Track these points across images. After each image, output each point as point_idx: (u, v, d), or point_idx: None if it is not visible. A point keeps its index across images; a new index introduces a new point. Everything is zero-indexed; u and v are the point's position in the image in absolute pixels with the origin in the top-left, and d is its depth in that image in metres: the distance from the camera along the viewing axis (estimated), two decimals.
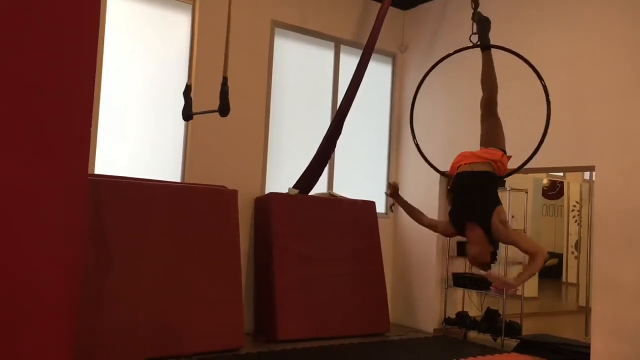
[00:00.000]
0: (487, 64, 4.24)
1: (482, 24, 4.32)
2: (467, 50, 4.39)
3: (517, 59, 4.15)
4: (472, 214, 3.77)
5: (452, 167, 4.11)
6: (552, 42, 6.26)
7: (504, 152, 4.07)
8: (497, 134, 4.11)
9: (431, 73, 4.48)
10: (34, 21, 2.84)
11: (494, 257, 3.77)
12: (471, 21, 4.45)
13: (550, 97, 6.26)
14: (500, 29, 6.48)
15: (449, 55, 4.40)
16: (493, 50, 4.31)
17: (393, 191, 4.29)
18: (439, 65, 4.52)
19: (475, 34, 4.37)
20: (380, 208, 7.73)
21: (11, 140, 2.75)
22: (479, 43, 4.32)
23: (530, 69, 4.02)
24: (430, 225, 4.22)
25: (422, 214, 4.25)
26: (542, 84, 4.00)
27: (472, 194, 3.86)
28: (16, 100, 2.77)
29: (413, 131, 4.53)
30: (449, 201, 4.10)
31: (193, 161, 6.27)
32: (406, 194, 7.75)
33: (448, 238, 7.14)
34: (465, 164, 3.98)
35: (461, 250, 7.23)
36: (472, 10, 4.43)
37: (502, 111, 4.27)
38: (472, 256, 3.78)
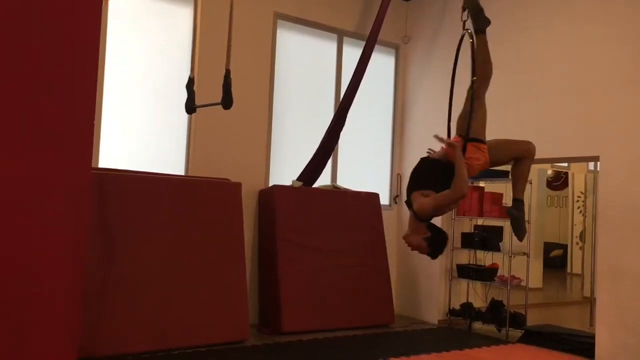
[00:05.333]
0: (478, 46, 4.00)
1: (474, 9, 4.19)
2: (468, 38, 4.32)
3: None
4: (406, 200, 3.76)
5: None
6: (557, 33, 6.23)
7: (476, 139, 3.85)
8: (464, 119, 3.91)
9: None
10: (36, 15, 2.83)
11: (432, 244, 3.63)
12: (462, 6, 4.34)
13: (555, 87, 6.26)
14: (505, 21, 6.47)
15: (461, 40, 4.29)
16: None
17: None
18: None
19: (465, 21, 4.25)
20: (384, 200, 7.73)
21: (15, 134, 2.75)
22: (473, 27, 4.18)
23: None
24: None
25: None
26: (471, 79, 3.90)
27: (411, 182, 3.81)
28: (19, 94, 2.77)
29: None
30: None
31: (196, 154, 6.28)
32: None
33: (452, 229, 7.22)
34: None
35: (465, 241, 7.24)
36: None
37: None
38: (404, 237, 3.72)
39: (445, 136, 4.13)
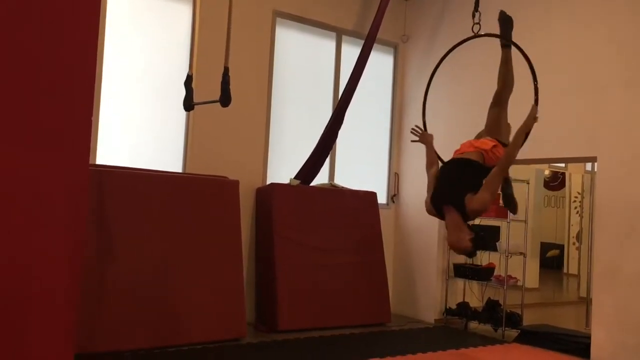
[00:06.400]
0: (504, 59, 4.29)
1: (507, 23, 4.35)
2: (473, 40, 4.38)
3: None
4: (447, 199, 3.83)
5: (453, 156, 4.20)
6: (556, 34, 6.23)
7: (502, 143, 4.10)
8: (499, 126, 4.16)
9: (435, 60, 4.53)
10: (34, 12, 2.83)
11: (476, 244, 3.77)
12: (473, 12, 4.45)
13: (553, 88, 6.28)
14: None
15: (463, 42, 4.39)
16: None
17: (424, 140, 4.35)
18: (443, 52, 4.55)
19: (477, 24, 4.38)
20: (382, 198, 7.73)
21: (12, 131, 2.75)
22: (502, 40, 4.36)
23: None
24: (428, 185, 4.13)
25: (431, 168, 4.22)
26: (534, 84, 4.11)
27: (450, 179, 3.93)
28: (17, 91, 2.77)
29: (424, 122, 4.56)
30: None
31: (194, 151, 6.27)
32: (408, 184, 7.81)
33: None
34: (460, 152, 4.06)
35: None
36: (475, 2, 4.43)
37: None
38: (451, 242, 3.83)
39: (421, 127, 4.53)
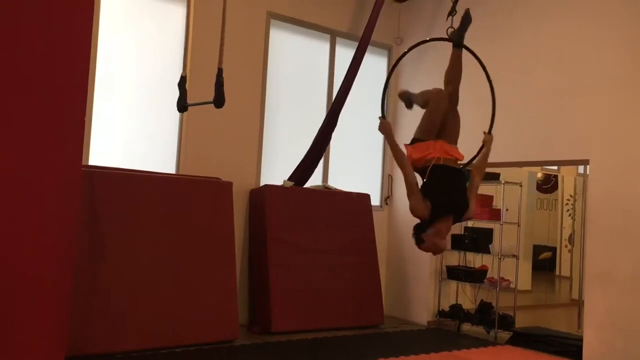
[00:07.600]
0: (457, 60, 4.27)
1: (464, 23, 4.30)
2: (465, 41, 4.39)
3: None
4: (456, 209, 3.85)
5: (419, 157, 4.01)
6: (547, 36, 6.26)
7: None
8: (457, 130, 4.15)
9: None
10: (27, 12, 2.82)
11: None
12: (447, 15, 4.46)
13: (546, 90, 6.31)
14: (496, 22, 6.51)
15: (419, 44, 4.44)
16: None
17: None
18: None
19: (452, 28, 4.36)
20: (375, 201, 7.74)
21: (4, 130, 2.74)
22: (453, 39, 4.31)
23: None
24: (411, 186, 3.85)
25: (409, 165, 3.98)
26: (491, 90, 4.24)
27: (456, 190, 3.93)
28: (9, 91, 2.76)
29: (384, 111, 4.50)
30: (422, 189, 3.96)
31: (188, 153, 6.26)
32: (401, 186, 7.78)
33: None
34: (438, 157, 3.92)
35: (455, 243, 7.25)
36: (452, 4, 4.44)
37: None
38: (443, 247, 3.92)
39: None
